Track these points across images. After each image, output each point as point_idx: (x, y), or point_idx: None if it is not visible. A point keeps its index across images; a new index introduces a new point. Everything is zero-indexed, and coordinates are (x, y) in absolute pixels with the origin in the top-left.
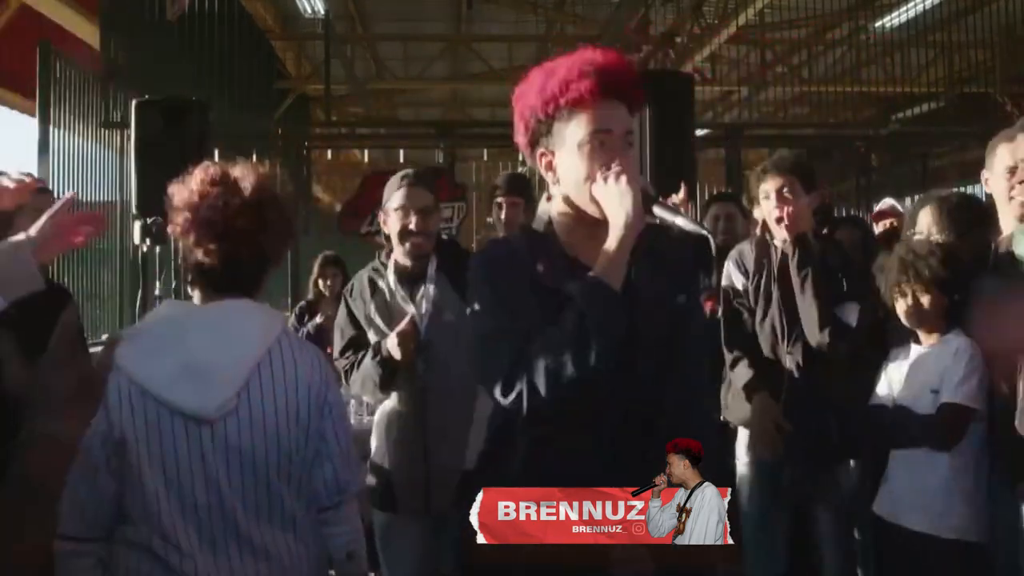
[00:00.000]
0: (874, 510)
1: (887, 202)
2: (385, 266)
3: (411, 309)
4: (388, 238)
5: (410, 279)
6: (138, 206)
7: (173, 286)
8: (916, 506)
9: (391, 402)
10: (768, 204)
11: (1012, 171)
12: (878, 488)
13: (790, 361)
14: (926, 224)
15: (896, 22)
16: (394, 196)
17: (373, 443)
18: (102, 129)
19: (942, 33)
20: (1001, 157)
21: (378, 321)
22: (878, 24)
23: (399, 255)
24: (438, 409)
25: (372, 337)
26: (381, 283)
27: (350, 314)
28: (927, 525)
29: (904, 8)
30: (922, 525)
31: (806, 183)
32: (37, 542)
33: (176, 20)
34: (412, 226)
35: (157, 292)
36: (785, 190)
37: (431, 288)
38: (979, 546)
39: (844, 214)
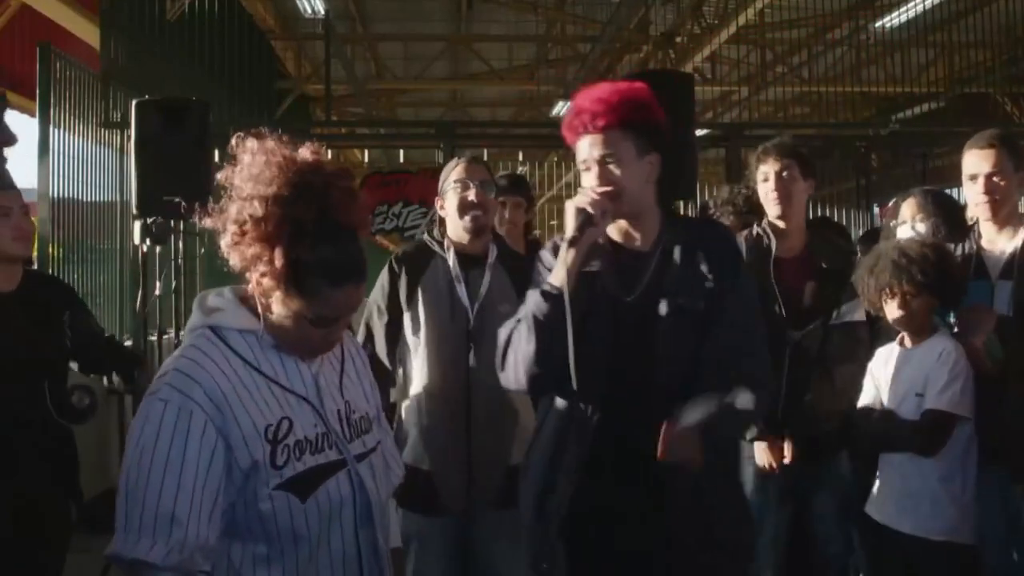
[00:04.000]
0: (866, 512)
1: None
2: (441, 243)
3: (463, 290)
4: (443, 221)
5: (466, 261)
6: (138, 206)
7: (173, 286)
8: (905, 508)
9: (424, 395)
10: (767, 186)
11: (973, 178)
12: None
13: (788, 355)
14: (910, 214)
15: (896, 22)
16: (452, 174)
17: (408, 441)
18: (102, 129)
19: (942, 33)
20: (967, 162)
21: (423, 297)
22: (878, 24)
23: (457, 231)
24: (482, 400)
25: (408, 322)
26: (436, 259)
27: (392, 292)
28: (916, 527)
29: (904, 8)
30: (911, 527)
31: (804, 169)
32: None
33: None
34: (472, 197)
35: (157, 292)
36: (785, 173)
37: (488, 274)
38: (968, 547)
39: (844, 214)
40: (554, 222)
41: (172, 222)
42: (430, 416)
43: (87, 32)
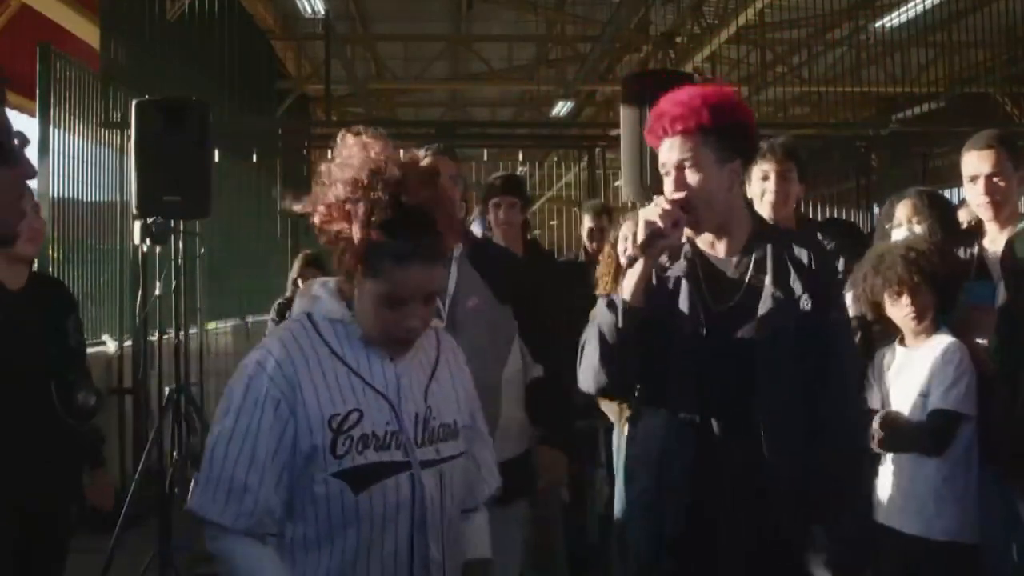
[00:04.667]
0: None
1: None
2: None
3: None
4: None
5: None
6: (138, 206)
7: (173, 286)
8: (908, 509)
9: None
10: (764, 184)
11: (973, 179)
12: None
13: None
14: (905, 216)
15: (896, 22)
16: None
17: None
18: (102, 129)
19: (942, 33)
20: (966, 163)
21: None
22: (878, 24)
23: None
24: None
25: None
26: None
27: None
28: (919, 528)
29: (904, 8)
30: (914, 528)
31: (801, 172)
32: None
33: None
34: None
35: (157, 292)
36: (785, 174)
37: (455, 270)
38: (971, 547)
39: (844, 214)
40: (554, 222)
41: (172, 222)
42: None
43: (87, 32)
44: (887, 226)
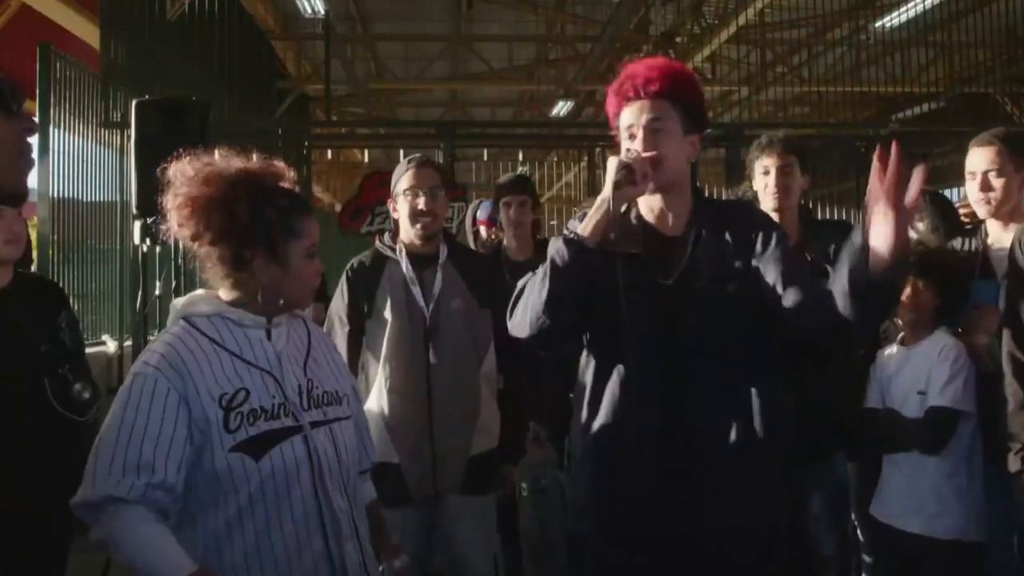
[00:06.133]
0: (871, 513)
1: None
2: (393, 248)
3: (418, 291)
4: (397, 223)
5: (419, 262)
6: (138, 206)
7: (173, 286)
8: (910, 508)
9: (378, 398)
10: (766, 179)
11: (972, 176)
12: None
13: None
14: None
15: (896, 22)
16: (402, 179)
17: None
18: (102, 129)
19: (942, 33)
20: (968, 160)
21: (380, 303)
22: (878, 24)
23: (410, 236)
24: (443, 395)
25: (372, 326)
26: (390, 264)
27: (352, 302)
28: (922, 527)
29: (904, 8)
30: (917, 527)
31: (803, 164)
32: None
33: (176, 18)
34: (422, 206)
35: (157, 292)
36: (786, 168)
37: (440, 274)
38: (975, 545)
39: (844, 214)
40: (554, 222)
41: None
42: (394, 415)
43: (87, 32)
44: None
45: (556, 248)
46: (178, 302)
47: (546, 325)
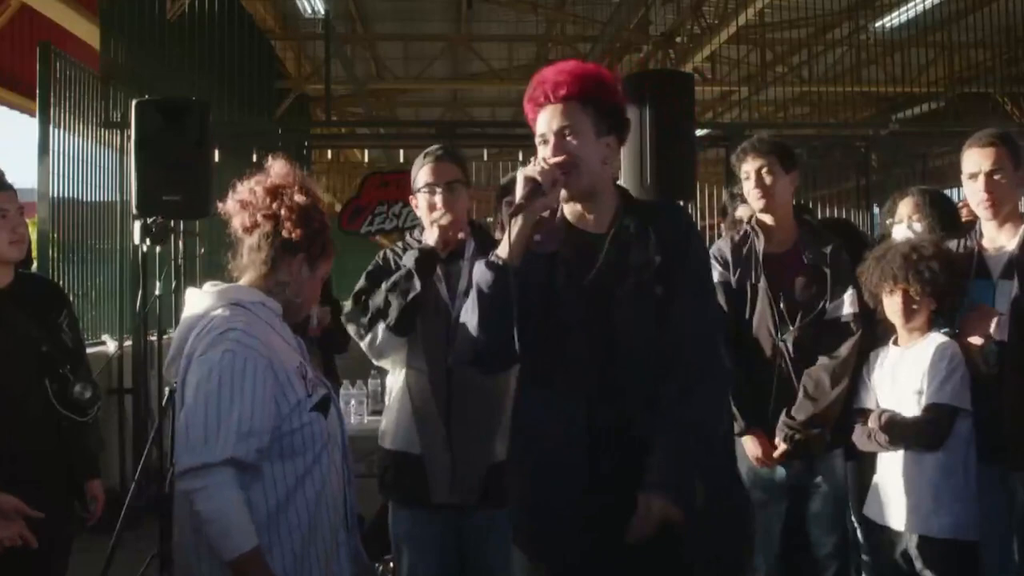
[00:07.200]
0: (864, 513)
1: None
2: (419, 243)
3: (443, 287)
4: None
5: (445, 257)
6: (138, 206)
7: (173, 286)
8: (906, 508)
9: (405, 389)
10: (749, 183)
11: (973, 176)
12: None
13: (783, 351)
14: (906, 213)
15: (896, 22)
16: (419, 175)
17: (387, 436)
18: (102, 129)
19: (942, 33)
20: (967, 160)
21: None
22: (878, 24)
23: (429, 237)
24: (462, 396)
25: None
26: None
27: (374, 280)
28: (919, 526)
29: (904, 8)
30: (912, 526)
31: (784, 163)
32: None
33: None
34: (439, 203)
35: (157, 292)
36: (764, 170)
37: (465, 269)
38: (972, 544)
39: (844, 214)
40: None
41: (172, 222)
42: (416, 411)
43: (87, 32)
44: (888, 221)
45: (480, 273)
46: (212, 290)
47: (490, 347)
